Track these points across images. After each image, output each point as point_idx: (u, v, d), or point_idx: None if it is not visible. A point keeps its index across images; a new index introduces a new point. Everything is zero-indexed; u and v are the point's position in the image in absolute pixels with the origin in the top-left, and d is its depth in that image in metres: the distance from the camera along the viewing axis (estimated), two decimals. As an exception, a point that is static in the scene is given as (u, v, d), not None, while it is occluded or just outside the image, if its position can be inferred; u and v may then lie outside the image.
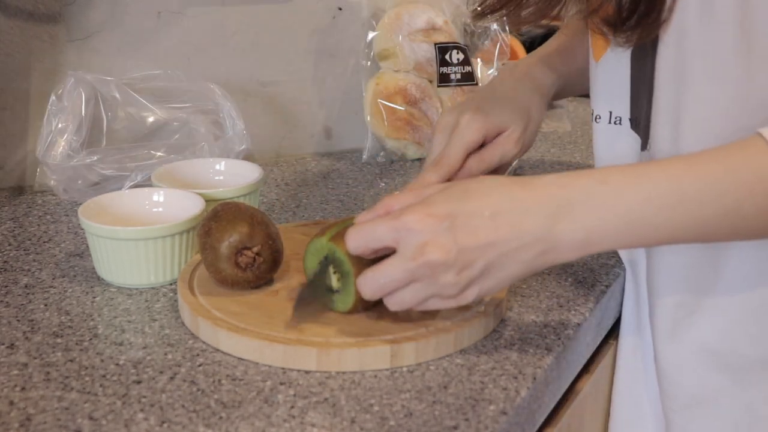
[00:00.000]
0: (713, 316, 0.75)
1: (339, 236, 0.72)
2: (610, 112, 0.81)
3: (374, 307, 0.74)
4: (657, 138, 0.74)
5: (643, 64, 0.76)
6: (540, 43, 1.12)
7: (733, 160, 0.62)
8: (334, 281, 0.73)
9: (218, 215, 0.79)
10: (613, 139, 0.81)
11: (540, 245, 0.63)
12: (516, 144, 0.88)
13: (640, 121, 0.78)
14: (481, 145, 0.87)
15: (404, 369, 0.70)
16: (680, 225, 0.62)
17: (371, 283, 0.66)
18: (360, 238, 0.67)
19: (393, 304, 0.67)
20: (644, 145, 0.77)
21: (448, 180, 0.83)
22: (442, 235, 0.63)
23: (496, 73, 1.37)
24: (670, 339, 0.78)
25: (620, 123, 0.80)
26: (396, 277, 0.65)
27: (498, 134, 0.87)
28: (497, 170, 0.89)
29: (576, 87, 0.98)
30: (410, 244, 0.64)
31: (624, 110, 0.80)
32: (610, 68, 0.80)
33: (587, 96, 0.87)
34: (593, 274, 0.88)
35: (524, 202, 0.63)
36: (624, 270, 0.90)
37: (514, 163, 1.25)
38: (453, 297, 0.66)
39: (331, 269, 0.73)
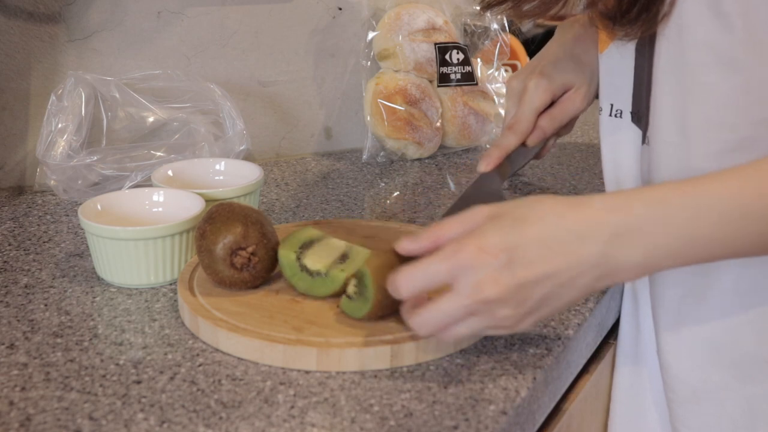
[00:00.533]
0: (717, 311, 0.75)
1: (374, 260, 0.70)
2: (611, 105, 0.81)
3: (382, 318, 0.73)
4: (658, 132, 0.74)
5: (644, 58, 0.76)
6: (540, 43, 1.12)
7: None
8: (350, 287, 0.73)
9: (212, 217, 0.79)
10: (615, 132, 0.81)
11: (596, 271, 0.62)
12: (583, 100, 0.97)
13: (641, 114, 0.78)
14: (550, 104, 0.97)
15: (404, 369, 0.70)
16: (741, 240, 0.62)
17: (429, 321, 0.64)
18: (415, 281, 0.64)
19: (448, 336, 0.65)
20: (643, 139, 0.78)
21: (523, 142, 0.97)
22: (499, 272, 0.61)
23: (496, 73, 1.37)
24: (673, 332, 0.78)
25: (621, 116, 0.80)
26: (453, 315, 0.63)
27: (564, 93, 0.97)
28: (567, 125, 1.00)
29: None
30: (466, 282, 0.62)
31: (625, 103, 0.80)
32: (613, 61, 0.80)
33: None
34: (593, 274, 0.88)
35: (578, 230, 0.61)
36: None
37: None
38: (509, 327, 0.65)
39: (353, 281, 0.73)
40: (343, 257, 0.78)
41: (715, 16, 0.67)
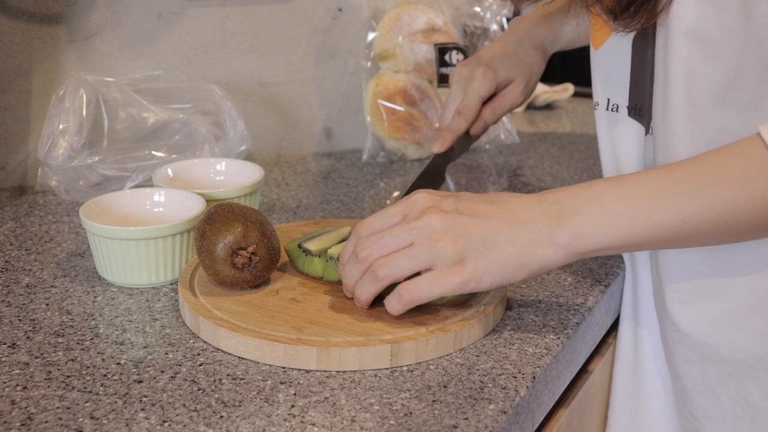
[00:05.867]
0: (711, 308, 0.75)
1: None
2: (608, 100, 0.82)
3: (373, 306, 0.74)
4: (655, 122, 0.75)
5: (644, 51, 0.76)
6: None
7: (718, 158, 0.64)
8: (334, 249, 0.78)
9: (212, 217, 0.79)
10: (612, 126, 0.83)
11: (531, 233, 0.67)
12: (521, 94, 1.08)
13: (643, 108, 0.79)
14: (491, 96, 1.07)
15: (404, 368, 0.70)
16: (661, 220, 0.65)
17: (375, 243, 0.70)
18: (372, 225, 0.72)
19: (385, 265, 0.69)
20: (647, 130, 0.79)
21: (468, 128, 1.06)
22: (444, 204, 0.69)
23: None
24: (673, 328, 0.78)
25: (617, 110, 0.82)
26: (397, 236, 0.69)
27: (505, 86, 1.07)
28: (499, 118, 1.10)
29: (582, 39, 1.09)
30: (414, 210, 0.70)
31: (622, 98, 0.81)
32: (610, 57, 0.81)
33: (586, 96, 0.89)
34: (593, 274, 0.88)
35: (520, 199, 0.69)
36: (623, 270, 0.90)
37: (514, 163, 1.26)
38: (448, 269, 0.68)
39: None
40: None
41: (711, 4, 0.67)
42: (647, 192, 0.65)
